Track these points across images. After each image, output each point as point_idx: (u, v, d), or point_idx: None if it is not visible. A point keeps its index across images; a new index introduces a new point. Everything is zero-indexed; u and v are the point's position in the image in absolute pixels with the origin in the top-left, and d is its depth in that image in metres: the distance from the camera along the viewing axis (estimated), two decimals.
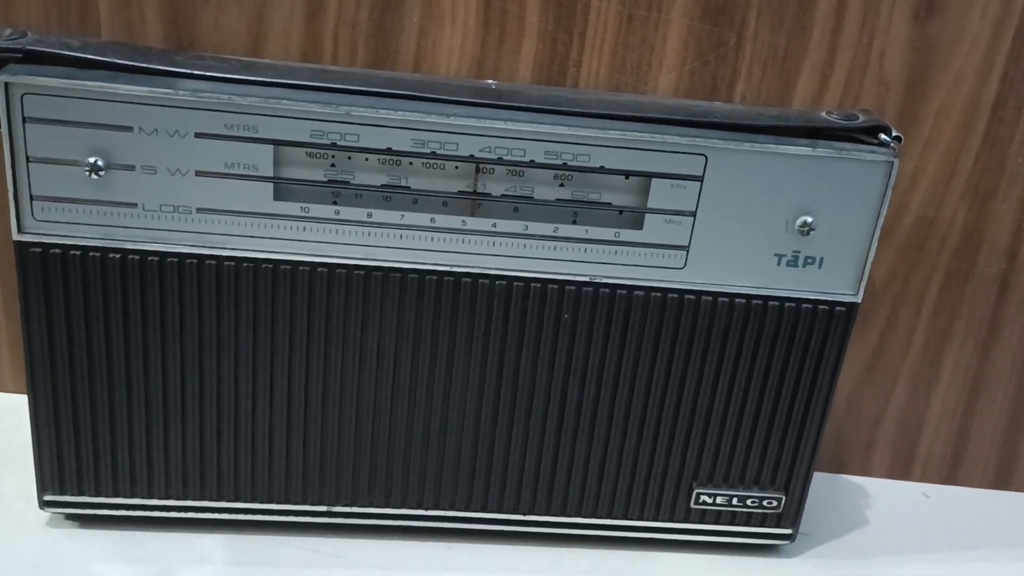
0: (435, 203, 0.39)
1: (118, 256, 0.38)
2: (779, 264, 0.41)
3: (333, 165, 0.38)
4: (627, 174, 0.39)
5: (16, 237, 0.38)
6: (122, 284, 0.39)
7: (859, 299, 0.42)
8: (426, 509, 0.44)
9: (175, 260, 0.39)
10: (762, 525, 0.46)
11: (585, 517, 0.45)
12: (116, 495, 0.42)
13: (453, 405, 0.42)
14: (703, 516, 0.45)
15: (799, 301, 0.42)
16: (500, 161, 0.39)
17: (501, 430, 0.43)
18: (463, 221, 0.39)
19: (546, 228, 0.40)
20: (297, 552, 0.44)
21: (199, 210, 0.38)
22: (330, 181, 0.38)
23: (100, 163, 0.37)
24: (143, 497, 0.43)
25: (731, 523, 0.46)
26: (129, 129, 0.37)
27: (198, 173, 0.38)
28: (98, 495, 0.42)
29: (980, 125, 0.47)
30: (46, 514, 0.44)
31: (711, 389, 0.43)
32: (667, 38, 0.45)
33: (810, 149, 0.39)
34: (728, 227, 0.40)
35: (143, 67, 0.37)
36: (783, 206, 0.40)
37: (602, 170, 0.39)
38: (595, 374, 0.42)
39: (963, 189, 0.48)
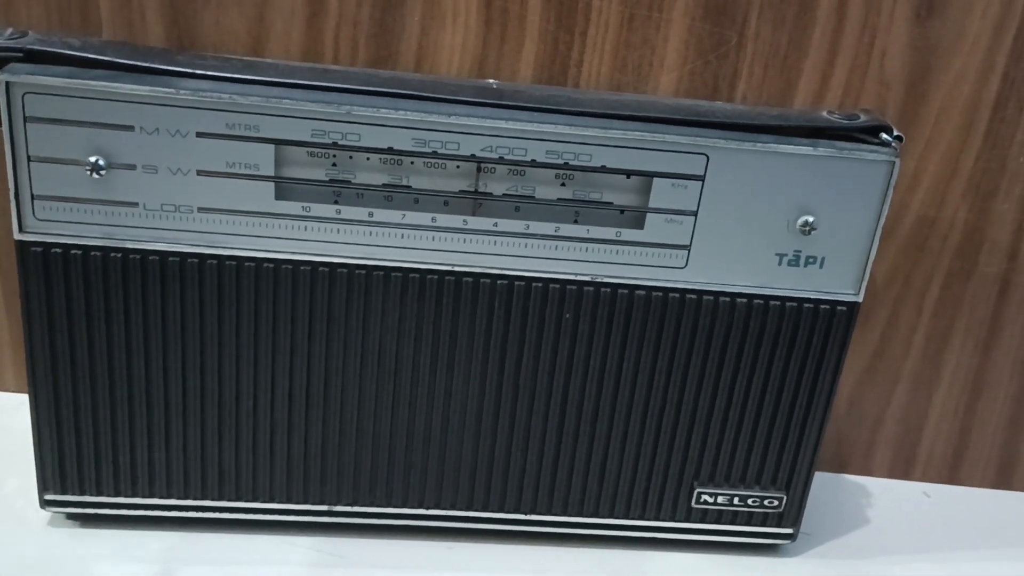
0: (436, 202, 0.39)
1: (119, 255, 0.38)
2: (780, 264, 0.41)
3: (334, 164, 0.38)
4: (628, 174, 0.39)
5: (17, 236, 0.38)
6: (123, 283, 0.39)
7: (860, 299, 0.42)
8: (427, 509, 0.44)
9: (176, 260, 0.39)
10: (763, 525, 0.46)
11: (586, 517, 0.45)
12: (117, 495, 0.42)
13: (454, 404, 0.42)
14: (704, 516, 0.45)
15: (800, 301, 0.42)
16: (501, 160, 0.39)
17: (502, 430, 0.43)
18: (464, 220, 0.39)
19: (547, 228, 0.40)
20: (298, 552, 0.44)
21: (200, 209, 0.38)
22: (331, 180, 0.38)
23: (101, 162, 0.37)
24: (144, 497, 0.43)
25: (732, 523, 0.46)
26: (130, 128, 0.37)
27: (199, 172, 0.38)
28: (99, 495, 0.42)
29: (981, 125, 0.47)
30: (47, 514, 0.43)
31: (712, 389, 0.43)
32: (668, 38, 0.45)
33: (811, 149, 0.39)
34: (729, 227, 0.40)
35: (144, 66, 0.37)
36: (784, 206, 0.40)
37: (603, 169, 0.39)
38: (596, 374, 0.42)
39: (964, 189, 0.48)
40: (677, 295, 0.41)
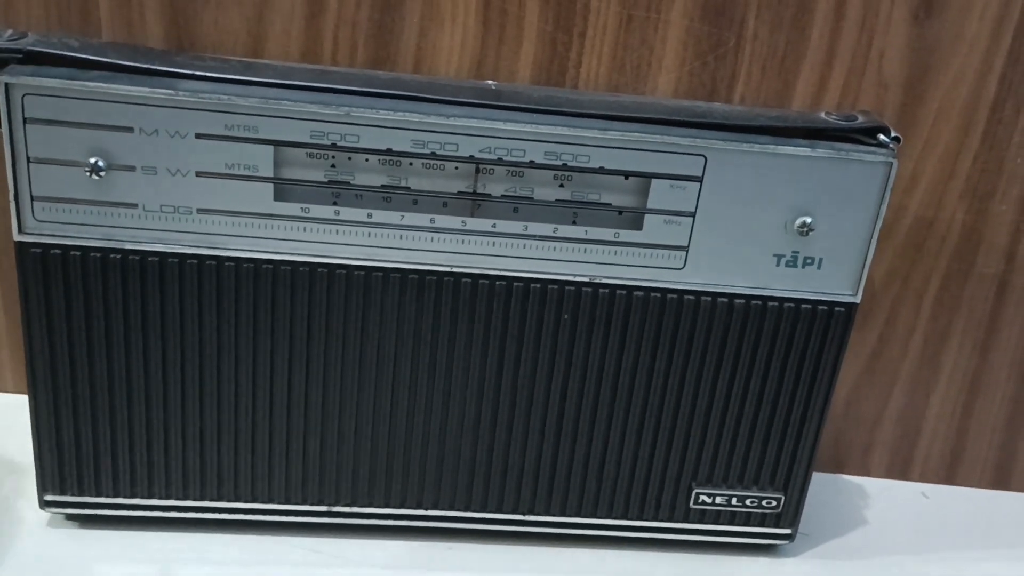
0: (435, 203, 0.39)
1: (118, 256, 0.38)
2: (778, 264, 0.41)
3: (333, 166, 0.38)
4: (627, 175, 0.39)
5: (17, 237, 0.38)
6: (122, 284, 0.39)
7: (858, 299, 0.42)
8: (426, 509, 0.44)
9: (175, 260, 0.39)
10: (761, 525, 0.46)
11: (585, 517, 0.45)
12: (116, 495, 0.42)
13: (453, 405, 0.42)
14: (702, 516, 0.46)
15: (798, 301, 0.42)
16: (500, 162, 0.39)
17: (501, 430, 0.43)
18: (463, 221, 0.39)
19: (546, 228, 0.40)
20: (297, 552, 0.44)
21: (199, 211, 0.38)
22: (330, 182, 0.38)
23: (100, 164, 0.37)
24: (143, 497, 0.43)
25: (730, 523, 0.46)
26: (130, 130, 0.37)
27: (198, 174, 0.38)
28: (98, 495, 0.42)
29: (979, 126, 0.47)
30: (46, 514, 0.44)
31: (710, 389, 0.43)
32: (666, 39, 0.45)
33: (809, 150, 0.39)
34: (727, 228, 0.40)
35: (143, 68, 0.37)
36: (782, 207, 0.40)
37: (602, 171, 0.39)
38: (595, 374, 0.42)
39: (962, 190, 0.48)
40: (675, 296, 0.41)
